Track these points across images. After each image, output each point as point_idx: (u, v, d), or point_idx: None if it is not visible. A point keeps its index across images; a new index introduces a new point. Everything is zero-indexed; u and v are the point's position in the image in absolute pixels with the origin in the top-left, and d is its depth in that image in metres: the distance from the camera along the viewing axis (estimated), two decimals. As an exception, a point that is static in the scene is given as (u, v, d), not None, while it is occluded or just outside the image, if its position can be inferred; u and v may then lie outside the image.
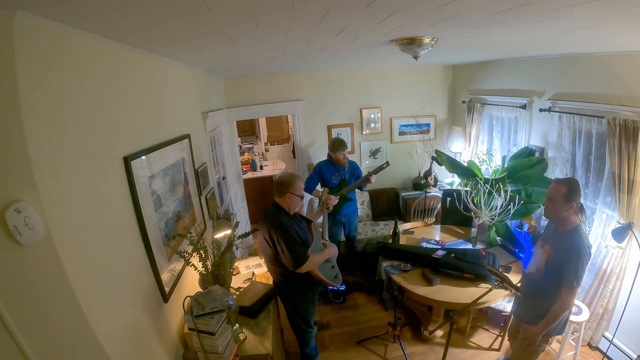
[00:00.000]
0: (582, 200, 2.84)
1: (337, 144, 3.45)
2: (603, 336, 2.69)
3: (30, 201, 0.94)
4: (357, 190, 3.58)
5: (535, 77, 3.29)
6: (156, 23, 1.20)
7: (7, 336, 0.97)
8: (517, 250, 3.06)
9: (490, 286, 2.15)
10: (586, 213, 2.00)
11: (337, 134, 4.60)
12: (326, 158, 3.65)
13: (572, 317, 2.39)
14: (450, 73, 4.75)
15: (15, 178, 0.93)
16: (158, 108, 1.96)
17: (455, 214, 3.44)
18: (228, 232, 2.18)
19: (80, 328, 1.09)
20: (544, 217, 2.10)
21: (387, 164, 3.33)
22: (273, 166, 6.45)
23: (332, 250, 2.44)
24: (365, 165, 4.69)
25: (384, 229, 4.28)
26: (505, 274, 2.49)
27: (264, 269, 2.77)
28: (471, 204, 3.05)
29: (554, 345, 2.80)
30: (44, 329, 1.04)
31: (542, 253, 2.02)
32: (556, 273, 1.88)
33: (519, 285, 2.40)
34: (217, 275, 2.05)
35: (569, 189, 1.86)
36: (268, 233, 2.16)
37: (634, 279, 2.37)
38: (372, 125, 4.73)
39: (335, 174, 3.53)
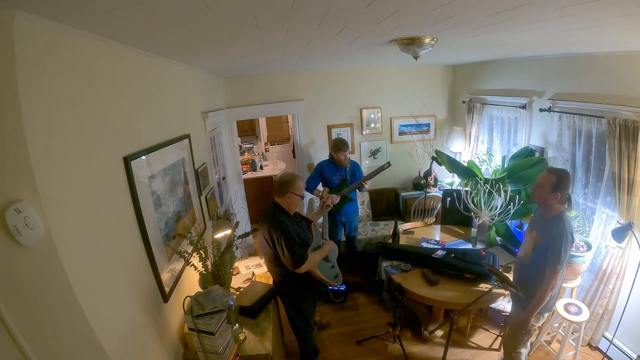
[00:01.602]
0: (582, 200, 2.86)
1: (338, 145, 3.44)
2: (603, 336, 2.68)
3: (30, 201, 0.94)
4: (357, 190, 3.59)
5: (535, 77, 3.29)
6: (155, 23, 1.20)
7: (7, 336, 0.97)
8: (517, 250, 3.05)
9: (490, 286, 2.15)
10: (572, 204, 2.11)
11: (337, 134, 4.60)
12: (327, 158, 3.65)
13: (572, 317, 2.39)
14: (450, 73, 4.75)
15: (15, 178, 0.93)
16: (158, 108, 1.96)
17: (455, 214, 3.44)
18: (228, 232, 2.18)
19: (80, 328, 1.09)
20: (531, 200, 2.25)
21: (389, 164, 3.32)
22: (273, 166, 6.45)
23: (330, 247, 2.44)
24: (365, 165, 4.69)
25: (384, 229, 4.28)
26: (505, 274, 2.49)
27: (264, 269, 2.77)
28: (471, 204, 3.05)
29: (554, 345, 2.80)
30: (44, 329, 1.04)
31: (529, 239, 2.13)
32: (542, 257, 1.99)
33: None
34: (217, 275, 2.05)
35: (558, 179, 1.94)
36: (268, 233, 2.16)
37: (634, 279, 2.37)
38: (372, 125, 4.73)
39: (337, 173, 3.53)
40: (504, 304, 2.87)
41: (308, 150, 4.66)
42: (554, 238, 1.93)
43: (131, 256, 1.49)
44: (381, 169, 3.27)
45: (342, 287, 3.66)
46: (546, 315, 2.19)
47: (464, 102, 4.38)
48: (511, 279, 2.30)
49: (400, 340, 2.91)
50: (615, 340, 2.60)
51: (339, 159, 3.46)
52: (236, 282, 2.48)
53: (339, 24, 1.45)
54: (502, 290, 2.39)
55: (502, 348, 2.82)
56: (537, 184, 2.05)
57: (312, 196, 4.01)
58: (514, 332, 2.21)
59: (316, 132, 4.62)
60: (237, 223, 2.44)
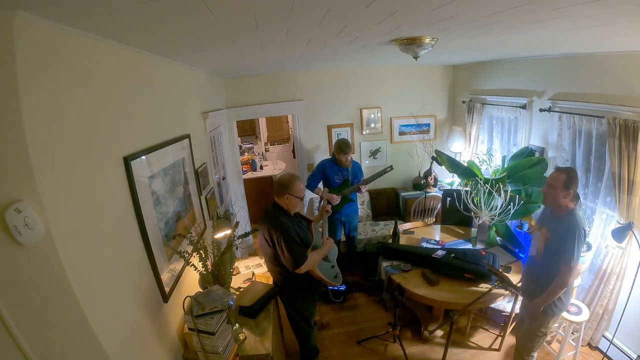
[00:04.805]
0: (582, 201, 2.86)
1: (341, 146, 3.42)
2: (603, 336, 2.69)
3: (30, 201, 0.94)
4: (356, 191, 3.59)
5: (535, 77, 3.29)
6: (155, 23, 1.20)
7: (7, 336, 0.97)
8: (517, 250, 3.06)
9: (490, 286, 2.15)
10: (581, 202, 2.15)
11: (337, 134, 4.60)
12: (330, 157, 3.65)
13: (572, 317, 2.40)
14: (450, 73, 4.75)
15: (15, 178, 0.93)
16: (158, 108, 1.96)
17: (455, 214, 3.44)
18: (228, 232, 2.18)
19: (80, 328, 1.09)
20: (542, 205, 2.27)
21: (391, 168, 3.32)
22: (273, 166, 6.45)
23: (330, 245, 2.44)
24: (365, 165, 4.69)
25: (384, 229, 4.28)
26: (505, 274, 2.49)
27: (264, 269, 2.77)
28: (471, 204, 3.05)
29: (554, 345, 2.80)
30: (44, 329, 1.04)
31: (540, 236, 2.14)
32: (555, 254, 2.00)
33: (519, 285, 2.40)
34: (217, 275, 2.04)
35: (568, 176, 1.99)
36: (268, 233, 2.16)
37: (634, 279, 2.37)
38: (372, 125, 4.73)
39: (339, 173, 3.53)
40: (504, 304, 2.87)
41: (308, 150, 4.66)
42: (567, 233, 1.95)
43: (131, 256, 1.48)
44: (383, 172, 3.27)
45: (342, 287, 3.66)
46: (560, 317, 2.19)
47: (463, 102, 4.38)
48: (511, 279, 2.30)
49: (400, 340, 2.90)
50: (615, 340, 2.60)
51: (341, 160, 3.46)
52: (236, 282, 2.48)
53: (339, 24, 1.45)
54: (502, 290, 2.38)
55: (515, 353, 2.79)
56: (549, 185, 2.06)
57: (312, 196, 4.01)
58: (527, 335, 2.20)
59: (316, 132, 4.62)
60: (237, 223, 2.44)
